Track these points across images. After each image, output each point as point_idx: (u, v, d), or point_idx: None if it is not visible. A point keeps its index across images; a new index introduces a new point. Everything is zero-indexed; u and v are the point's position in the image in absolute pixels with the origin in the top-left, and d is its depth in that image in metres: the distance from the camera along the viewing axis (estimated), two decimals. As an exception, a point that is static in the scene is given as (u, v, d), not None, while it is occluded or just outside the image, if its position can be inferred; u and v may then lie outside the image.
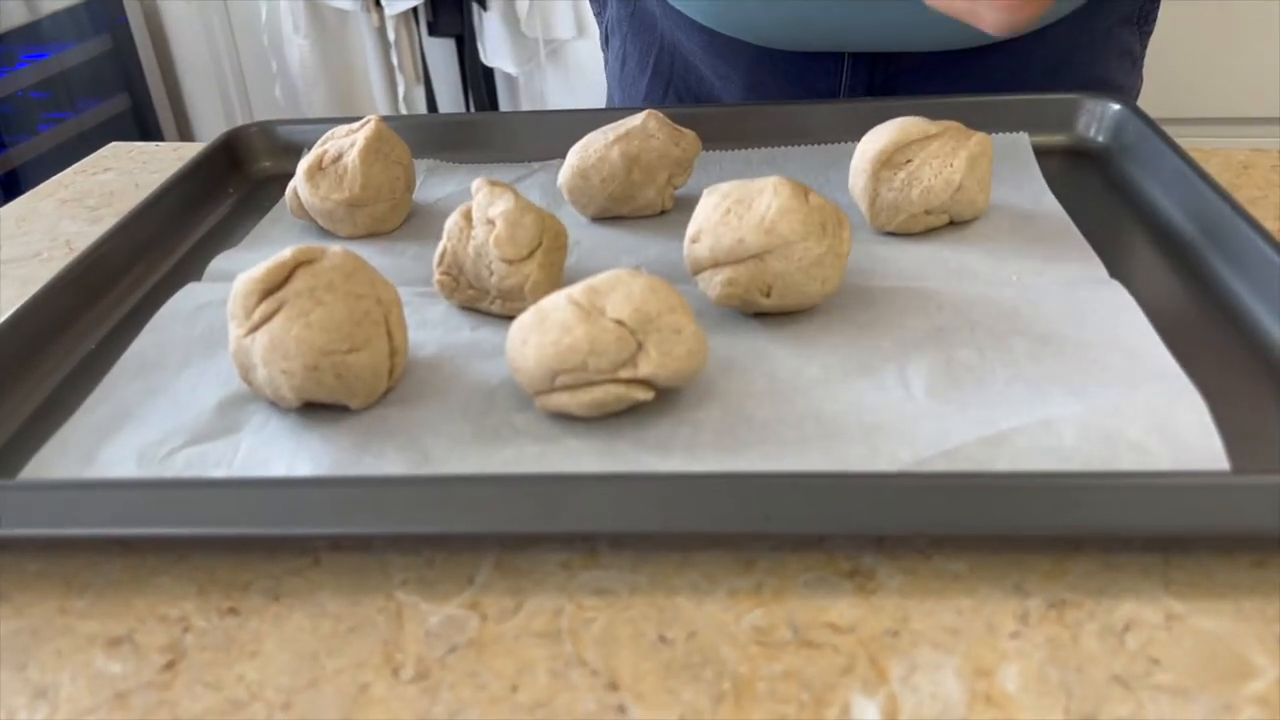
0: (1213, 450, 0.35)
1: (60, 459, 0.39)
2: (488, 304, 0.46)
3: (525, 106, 1.84)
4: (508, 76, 1.83)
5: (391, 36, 1.82)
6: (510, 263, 0.44)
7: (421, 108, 1.90)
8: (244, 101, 2.03)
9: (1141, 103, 0.65)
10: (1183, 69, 1.46)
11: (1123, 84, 0.69)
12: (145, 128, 1.99)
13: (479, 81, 1.86)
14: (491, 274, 0.45)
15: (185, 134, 2.07)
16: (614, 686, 0.30)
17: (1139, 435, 0.36)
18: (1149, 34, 0.70)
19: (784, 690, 0.29)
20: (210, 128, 2.03)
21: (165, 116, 2.03)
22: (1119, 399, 0.37)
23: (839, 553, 0.34)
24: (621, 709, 0.29)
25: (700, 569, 0.33)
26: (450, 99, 1.90)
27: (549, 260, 0.45)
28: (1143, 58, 0.71)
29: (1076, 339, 0.41)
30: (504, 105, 1.88)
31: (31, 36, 1.79)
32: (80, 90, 1.90)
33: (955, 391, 0.39)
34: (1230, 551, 0.33)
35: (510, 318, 0.42)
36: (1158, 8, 0.70)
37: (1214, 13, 1.44)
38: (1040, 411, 0.37)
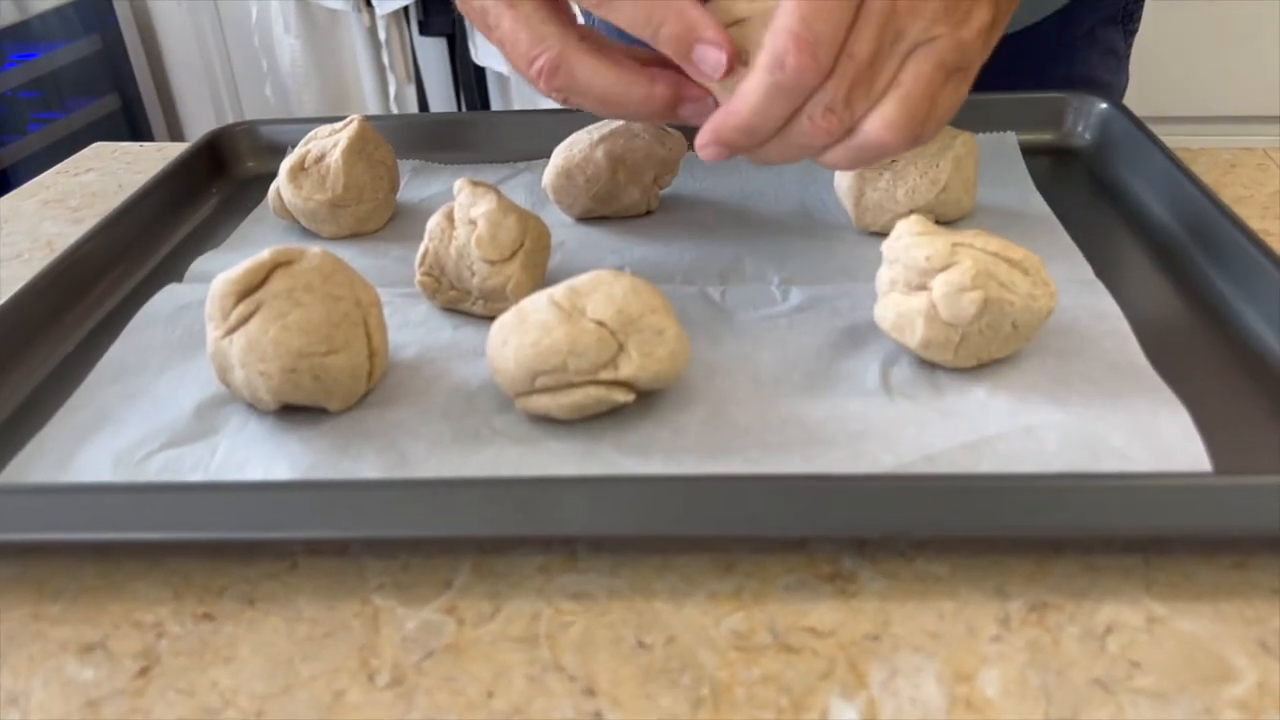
0: (1196, 457, 0.35)
1: (37, 463, 0.38)
2: (470, 305, 0.46)
3: (517, 106, 1.83)
4: (499, 76, 1.83)
5: (382, 36, 1.82)
6: (492, 263, 0.44)
7: (413, 107, 1.90)
8: (235, 101, 2.02)
9: (1128, 101, 0.65)
10: (1169, 67, 1.46)
11: (1108, 82, 0.69)
12: (135, 128, 1.98)
13: (470, 81, 1.85)
14: (473, 275, 0.45)
15: (176, 134, 2.06)
16: (591, 692, 0.29)
17: (1121, 442, 0.36)
18: (1134, 32, 0.70)
19: (763, 695, 0.29)
20: (201, 128, 2.02)
21: (156, 116, 2.02)
22: (1102, 408, 0.37)
23: (820, 555, 0.33)
24: (599, 715, 0.29)
25: (680, 572, 0.33)
26: (442, 99, 1.90)
27: (531, 261, 0.45)
28: (1128, 56, 0.71)
29: (1060, 349, 0.41)
30: (495, 105, 1.88)
31: (21, 36, 1.78)
32: (70, 90, 1.90)
33: (938, 399, 0.39)
34: (1210, 553, 0.32)
35: (493, 319, 0.41)
36: (1142, 7, 0.70)
37: (1201, 11, 1.44)
38: (1022, 419, 0.37)
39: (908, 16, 0.35)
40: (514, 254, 0.44)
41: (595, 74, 0.39)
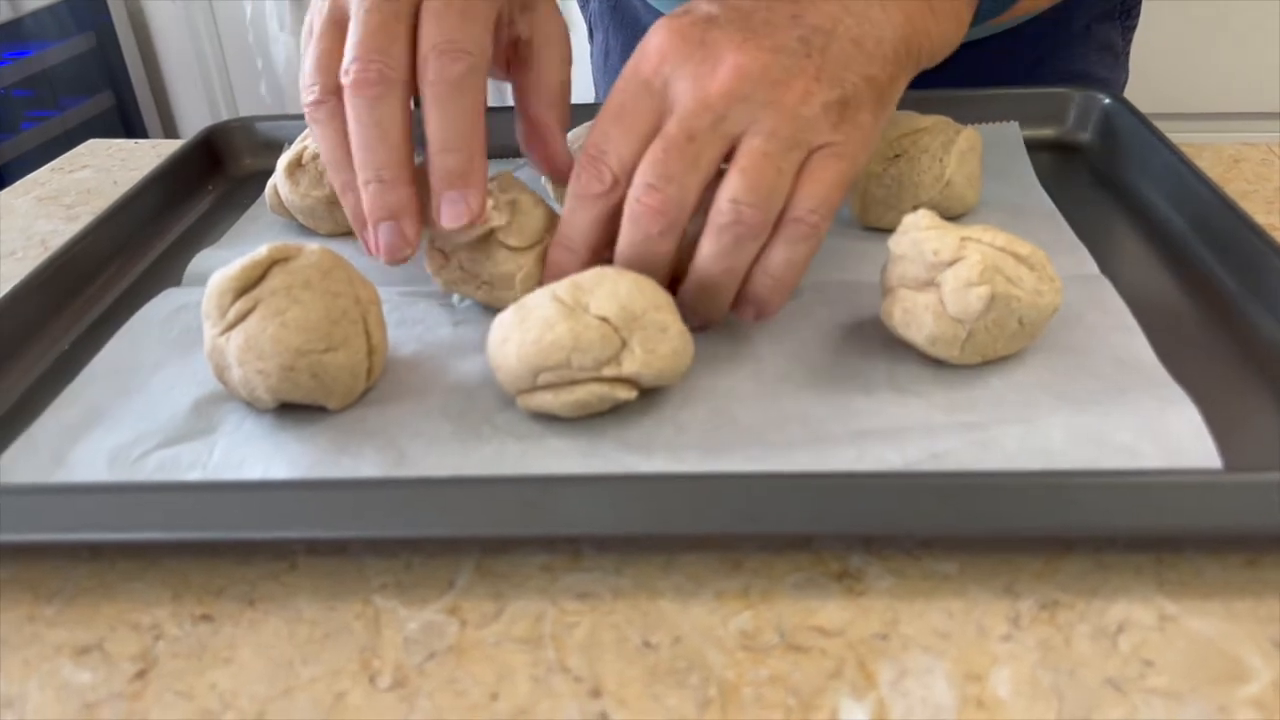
0: (1206, 454, 0.34)
1: (29, 460, 0.38)
2: (471, 289, 0.45)
3: (512, 102, 1.82)
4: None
5: (378, 33, 1.81)
6: (512, 249, 0.44)
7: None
8: (229, 99, 2.01)
9: (1129, 97, 0.64)
10: (1172, 64, 1.46)
11: (1105, 78, 0.68)
12: (130, 126, 1.97)
13: (466, 78, 1.84)
14: (488, 258, 0.44)
15: (170, 132, 2.05)
16: (597, 693, 0.29)
17: (1130, 439, 0.35)
18: (1132, 28, 0.70)
19: (771, 696, 0.28)
20: (195, 126, 2.01)
21: (150, 114, 2.01)
22: (1109, 404, 0.37)
23: (827, 553, 0.33)
24: (604, 716, 0.28)
25: (685, 571, 0.33)
26: (437, 96, 1.89)
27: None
28: (1126, 52, 0.70)
29: (1066, 344, 0.41)
30: (491, 100, 1.87)
31: (14, 34, 1.77)
32: (64, 88, 1.89)
33: (944, 396, 0.38)
34: (1221, 551, 0.32)
35: (490, 306, 0.41)
36: (1140, 3, 0.69)
37: (1203, 7, 1.44)
38: (1029, 415, 0.37)
39: (722, 101, 0.38)
40: (533, 245, 0.44)
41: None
